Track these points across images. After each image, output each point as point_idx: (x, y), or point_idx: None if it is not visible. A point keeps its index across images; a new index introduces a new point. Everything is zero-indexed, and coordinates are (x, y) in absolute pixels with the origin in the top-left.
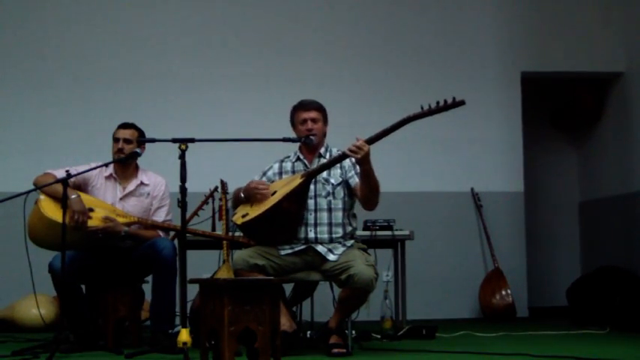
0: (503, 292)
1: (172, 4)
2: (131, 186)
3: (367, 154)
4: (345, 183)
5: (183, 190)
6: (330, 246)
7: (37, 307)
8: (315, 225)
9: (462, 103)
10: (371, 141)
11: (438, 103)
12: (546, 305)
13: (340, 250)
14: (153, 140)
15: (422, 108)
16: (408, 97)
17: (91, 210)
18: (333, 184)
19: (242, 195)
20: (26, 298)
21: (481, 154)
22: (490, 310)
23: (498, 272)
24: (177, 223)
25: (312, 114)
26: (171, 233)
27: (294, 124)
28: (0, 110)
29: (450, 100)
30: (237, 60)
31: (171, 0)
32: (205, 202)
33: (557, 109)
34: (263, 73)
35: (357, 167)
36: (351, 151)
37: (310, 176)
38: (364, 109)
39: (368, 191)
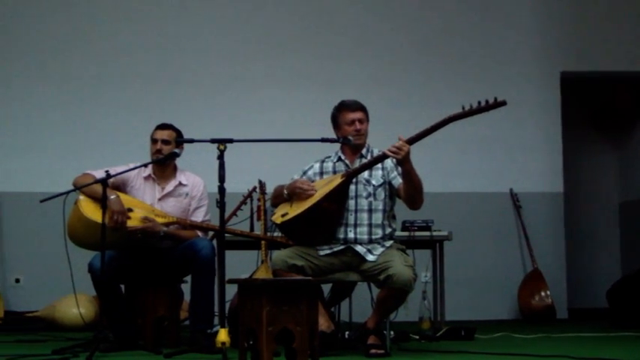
0: (543, 294)
1: (212, 3)
2: (170, 186)
3: (407, 154)
4: (387, 184)
5: (221, 190)
6: (369, 246)
7: (77, 306)
8: (355, 225)
9: (503, 103)
10: (411, 141)
11: (479, 103)
12: (586, 307)
13: (379, 250)
14: (191, 141)
15: (463, 108)
16: (447, 97)
17: (130, 210)
18: (374, 185)
19: (285, 192)
20: (66, 298)
21: (520, 155)
22: (529, 311)
23: (537, 273)
24: (216, 223)
25: (359, 114)
26: (210, 233)
27: (338, 124)
28: (41, 111)
29: (491, 101)
30: (276, 60)
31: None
32: (244, 202)
33: (596, 109)
34: (302, 74)
35: (399, 168)
36: (391, 151)
37: (351, 176)
38: (404, 111)
39: (412, 190)
